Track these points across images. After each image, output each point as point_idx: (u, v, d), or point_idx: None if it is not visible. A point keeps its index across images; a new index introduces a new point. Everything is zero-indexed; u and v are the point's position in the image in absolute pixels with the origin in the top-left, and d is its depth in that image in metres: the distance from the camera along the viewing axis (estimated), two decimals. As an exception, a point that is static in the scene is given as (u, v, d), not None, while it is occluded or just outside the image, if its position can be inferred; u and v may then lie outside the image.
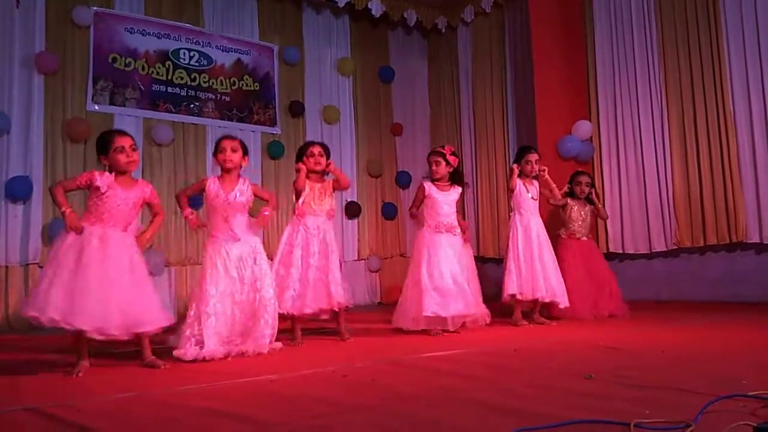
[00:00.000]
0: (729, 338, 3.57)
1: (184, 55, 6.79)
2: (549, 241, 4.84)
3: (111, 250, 3.11)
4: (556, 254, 4.86)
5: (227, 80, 7.05)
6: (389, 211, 8.03)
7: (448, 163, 4.50)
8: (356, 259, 7.65)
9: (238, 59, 7.16)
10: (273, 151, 7.18)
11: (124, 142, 3.25)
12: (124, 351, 3.55)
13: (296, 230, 4.11)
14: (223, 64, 7.05)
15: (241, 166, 3.69)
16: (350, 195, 7.66)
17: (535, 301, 4.70)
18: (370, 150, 8.02)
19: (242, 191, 3.63)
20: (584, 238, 5.29)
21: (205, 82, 6.88)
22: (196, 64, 6.86)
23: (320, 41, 7.76)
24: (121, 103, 6.33)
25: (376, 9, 7.58)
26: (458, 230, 4.49)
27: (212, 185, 3.60)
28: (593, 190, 5.39)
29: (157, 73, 6.59)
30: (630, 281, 5.92)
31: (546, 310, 4.84)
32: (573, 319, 4.78)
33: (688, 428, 1.65)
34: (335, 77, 7.85)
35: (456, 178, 4.57)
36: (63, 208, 3.13)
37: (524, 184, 4.82)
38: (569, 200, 5.27)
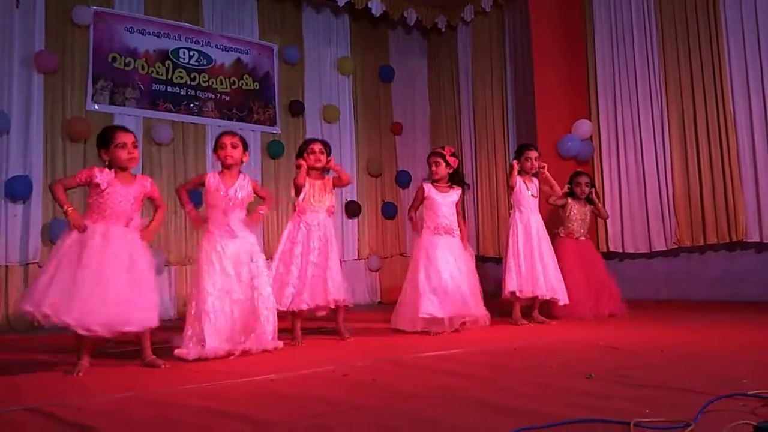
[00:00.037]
0: (729, 337, 3.57)
1: (184, 54, 6.79)
2: (548, 238, 4.85)
3: (111, 248, 3.10)
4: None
5: (227, 80, 7.05)
6: (389, 211, 8.03)
7: (447, 164, 4.50)
8: (356, 258, 7.65)
9: (238, 59, 7.16)
10: (273, 150, 7.18)
11: (126, 138, 3.25)
12: (125, 350, 3.55)
13: (297, 227, 4.11)
14: (222, 64, 7.04)
15: (241, 162, 3.69)
16: (350, 194, 7.66)
17: (534, 299, 4.70)
18: (370, 149, 8.02)
19: (242, 186, 3.64)
20: (582, 238, 5.29)
21: (204, 82, 6.88)
22: (196, 63, 6.86)
23: (320, 40, 7.76)
24: (121, 102, 6.32)
25: (376, 8, 7.57)
26: (457, 232, 4.47)
27: (212, 180, 3.60)
28: (593, 190, 5.39)
29: (157, 73, 6.58)
30: (630, 280, 5.92)
31: (546, 309, 4.84)
32: (573, 318, 4.78)
33: (688, 427, 1.65)
34: (335, 76, 7.84)
35: (456, 179, 4.57)
36: (65, 207, 3.13)
37: (524, 182, 4.82)
38: (569, 200, 5.27)
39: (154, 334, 3.26)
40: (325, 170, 4.27)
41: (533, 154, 4.86)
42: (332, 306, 4.10)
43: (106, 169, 3.23)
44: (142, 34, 6.54)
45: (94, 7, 6.21)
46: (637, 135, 6.38)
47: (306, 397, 2.29)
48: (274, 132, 7.31)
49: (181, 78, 6.73)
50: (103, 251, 3.08)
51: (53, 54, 5.91)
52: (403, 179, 8.23)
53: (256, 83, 7.26)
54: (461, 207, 4.67)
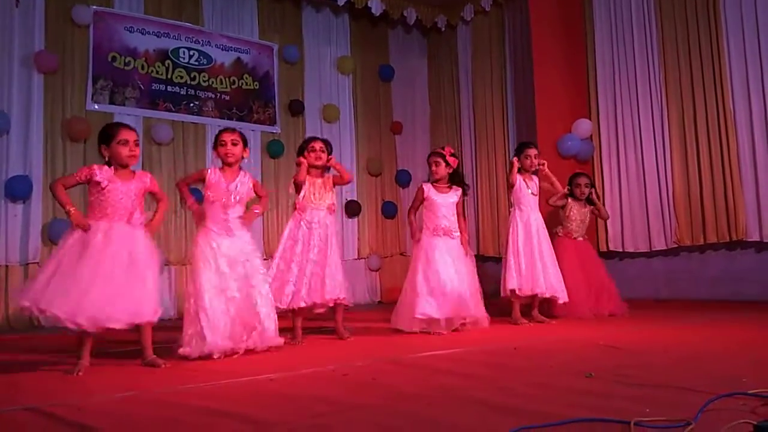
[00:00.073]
0: (729, 337, 3.57)
1: (184, 54, 6.79)
2: (548, 237, 4.85)
3: (112, 245, 3.10)
4: None
5: (227, 79, 7.05)
6: (389, 210, 8.03)
7: (447, 164, 4.49)
8: (356, 258, 7.65)
9: (238, 58, 7.16)
10: (273, 149, 7.18)
11: (129, 136, 3.25)
12: (125, 350, 3.55)
13: (297, 225, 4.11)
14: (222, 63, 7.04)
15: (242, 158, 3.69)
16: (350, 194, 7.66)
17: (533, 297, 4.70)
18: (370, 149, 8.02)
19: (243, 183, 3.64)
20: (580, 238, 5.29)
21: (204, 81, 6.88)
22: (196, 63, 6.86)
23: (320, 40, 7.76)
24: (121, 102, 6.32)
25: (376, 7, 7.57)
26: (457, 233, 4.47)
27: (213, 174, 3.60)
28: (593, 191, 5.39)
29: (157, 72, 6.58)
30: (630, 280, 5.93)
31: (546, 309, 4.84)
32: (573, 317, 4.78)
33: (688, 427, 1.65)
34: (335, 76, 7.84)
35: (456, 179, 4.56)
36: (67, 207, 3.13)
37: (524, 180, 4.82)
38: (569, 200, 5.27)
39: (154, 334, 3.25)
40: (325, 168, 4.27)
41: (533, 151, 4.86)
42: (330, 304, 4.10)
43: (105, 167, 3.22)
44: (142, 33, 6.53)
45: (94, 7, 6.21)
46: (637, 134, 6.38)
47: (306, 396, 2.29)
48: (274, 131, 7.31)
49: (181, 77, 6.73)
50: (104, 249, 3.08)
51: (53, 54, 5.91)
52: (403, 179, 8.23)
53: (256, 83, 7.25)
54: (461, 208, 4.65)
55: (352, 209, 7.63)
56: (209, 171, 3.62)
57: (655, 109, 6.25)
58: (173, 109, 6.64)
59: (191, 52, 6.84)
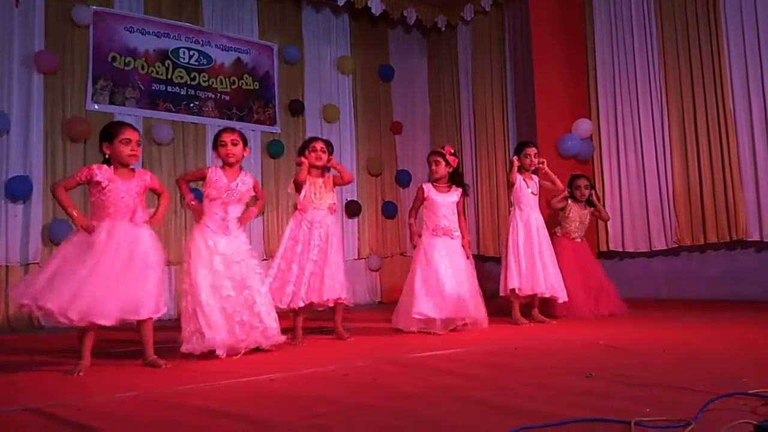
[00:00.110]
0: (729, 336, 3.57)
1: (184, 54, 6.79)
2: (548, 236, 4.85)
3: (113, 243, 3.10)
4: None
5: (227, 79, 7.05)
6: (389, 210, 8.03)
7: (447, 163, 4.49)
8: (356, 258, 7.65)
9: (238, 58, 7.16)
10: (273, 150, 7.18)
11: (132, 135, 3.25)
12: (126, 350, 3.55)
13: (298, 225, 4.11)
14: (222, 63, 7.04)
15: (242, 158, 3.69)
16: (350, 194, 7.66)
17: (533, 297, 4.70)
18: (370, 148, 8.02)
19: (244, 182, 3.65)
20: (579, 240, 5.29)
21: (204, 81, 6.88)
22: (196, 63, 6.86)
23: (320, 40, 7.76)
24: (121, 102, 6.32)
25: (376, 7, 7.57)
26: (456, 233, 4.47)
27: (214, 173, 3.60)
28: (593, 192, 5.38)
29: (157, 73, 6.58)
30: (630, 279, 5.92)
31: (546, 309, 4.84)
32: (573, 317, 4.78)
33: (688, 427, 1.65)
34: (335, 76, 7.84)
35: (455, 178, 4.56)
36: (70, 210, 3.14)
37: (524, 179, 4.82)
38: (569, 201, 5.27)
39: (154, 334, 3.25)
40: (326, 169, 4.27)
41: (532, 150, 4.86)
42: (329, 304, 4.10)
43: (105, 166, 3.22)
44: (142, 33, 6.53)
45: (94, 7, 6.21)
46: (637, 134, 6.38)
47: (306, 397, 2.29)
48: (274, 131, 7.31)
49: (181, 78, 6.73)
50: (106, 247, 3.08)
51: (53, 54, 5.91)
52: (403, 178, 8.23)
53: (256, 83, 7.25)
54: (462, 207, 4.65)
55: (352, 209, 7.63)
56: (211, 170, 3.63)
57: (655, 108, 6.25)
58: (173, 109, 6.64)
59: (191, 52, 6.84)
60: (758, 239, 5.51)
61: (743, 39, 5.64)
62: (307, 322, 4.25)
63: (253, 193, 3.75)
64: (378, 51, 8.27)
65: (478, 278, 4.54)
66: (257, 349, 3.50)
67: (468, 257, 4.52)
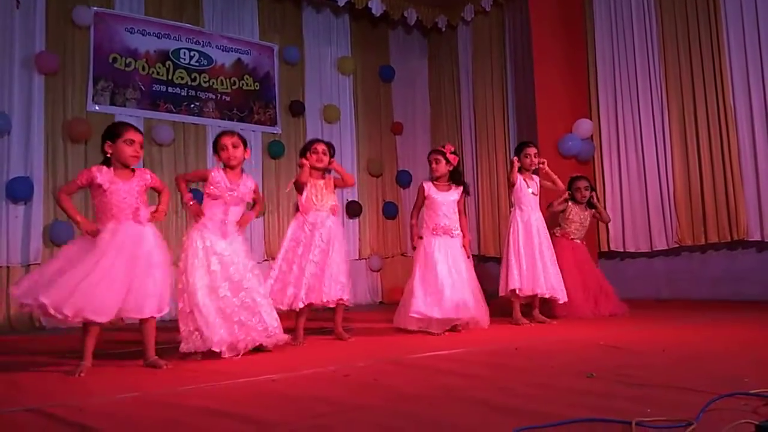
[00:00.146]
0: (730, 337, 3.56)
1: (185, 55, 6.79)
2: (549, 236, 4.85)
3: (116, 242, 3.10)
4: None
5: (227, 80, 7.06)
6: (390, 211, 8.03)
7: (448, 161, 4.49)
8: (357, 258, 7.65)
9: (239, 59, 7.16)
10: (273, 150, 7.18)
11: (135, 137, 3.26)
12: (126, 351, 3.55)
13: (300, 227, 4.12)
14: (223, 64, 7.05)
15: (243, 160, 3.69)
16: (351, 194, 7.66)
17: (533, 297, 4.70)
18: (371, 149, 8.02)
19: (246, 184, 3.66)
20: (578, 241, 5.29)
21: (205, 82, 6.89)
22: (197, 64, 6.86)
23: (320, 40, 7.76)
24: (122, 103, 6.33)
25: (377, 8, 7.57)
26: (456, 231, 4.47)
27: (216, 174, 3.60)
28: (593, 194, 5.38)
29: (158, 73, 6.59)
30: (630, 280, 5.92)
31: (547, 309, 4.84)
32: (574, 317, 4.78)
33: (689, 427, 1.65)
34: (335, 76, 7.85)
35: (456, 177, 4.56)
36: (75, 216, 3.16)
37: (524, 180, 4.82)
38: (570, 203, 5.27)
39: (156, 335, 3.25)
40: (327, 170, 4.28)
41: (532, 150, 4.86)
42: (330, 305, 4.10)
43: (105, 168, 3.22)
44: (143, 34, 6.54)
45: (95, 8, 6.22)
46: (637, 132, 6.38)
47: (307, 397, 2.29)
48: (275, 132, 7.31)
49: (182, 78, 6.73)
50: (108, 246, 3.09)
51: (54, 55, 5.92)
52: (403, 179, 8.23)
53: (256, 83, 7.26)
54: (463, 206, 4.64)
55: (353, 210, 7.63)
56: (213, 171, 3.63)
57: (656, 105, 6.25)
58: (174, 110, 6.64)
59: (192, 53, 6.84)
60: (759, 239, 5.50)
61: (743, 34, 5.64)
62: (307, 322, 4.24)
63: (254, 195, 3.76)
64: (378, 51, 8.28)
65: (478, 278, 4.53)
66: (259, 349, 3.50)
67: (468, 256, 4.52)
